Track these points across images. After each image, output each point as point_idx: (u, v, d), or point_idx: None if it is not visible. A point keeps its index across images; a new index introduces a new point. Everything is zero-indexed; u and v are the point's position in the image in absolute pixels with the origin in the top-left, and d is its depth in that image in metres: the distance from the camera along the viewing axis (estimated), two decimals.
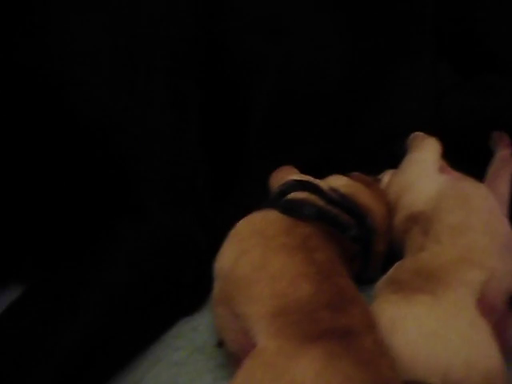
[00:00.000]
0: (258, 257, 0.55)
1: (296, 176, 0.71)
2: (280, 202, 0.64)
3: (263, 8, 0.82)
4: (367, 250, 0.67)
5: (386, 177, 0.82)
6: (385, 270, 0.64)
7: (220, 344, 0.59)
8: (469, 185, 0.71)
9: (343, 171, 0.79)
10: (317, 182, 0.69)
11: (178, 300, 0.66)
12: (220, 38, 0.77)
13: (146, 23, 0.70)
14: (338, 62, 0.85)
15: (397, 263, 0.64)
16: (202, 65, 0.75)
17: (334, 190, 0.70)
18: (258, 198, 0.69)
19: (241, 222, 0.63)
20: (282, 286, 0.52)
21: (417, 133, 0.84)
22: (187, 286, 0.67)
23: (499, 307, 0.57)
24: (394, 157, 0.81)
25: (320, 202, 0.64)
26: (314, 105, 0.84)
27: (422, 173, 0.75)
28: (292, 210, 0.62)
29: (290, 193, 0.66)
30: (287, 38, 0.82)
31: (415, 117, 0.88)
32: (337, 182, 0.72)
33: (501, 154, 0.78)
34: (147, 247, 0.64)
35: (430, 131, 0.81)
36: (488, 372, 0.49)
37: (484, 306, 0.56)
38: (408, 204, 0.71)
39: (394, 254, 0.70)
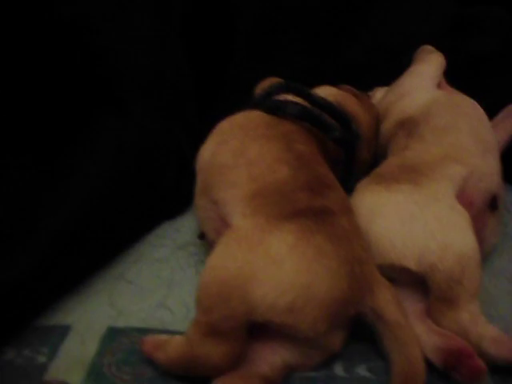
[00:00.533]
0: (237, 145, 0.56)
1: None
2: (264, 102, 0.64)
3: None
4: (351, 156, 0.67)
5: (378, 93, 0.81)
6: None
7: (201, 236, 0.59)
8: (462, 97, 0.71)
9: (331, 83, 0.78)
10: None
11: (161, 201, 0.66)
12: None
13: None
14: None
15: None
16: None
17: (322, 98, 0.69)
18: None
19: (223, 120, 0.63)
20: (259, 169, 0.52)
21: (425, 46, 0.82)
22: (170, 188, 0.67)
23: (478, 204, 0.58)
24: (383, 74, 0.80)
25: (305, 103, 0.63)
26: (302, 14, 0.82)
27: (419, 84, 0.73)
28: (276, 108, 0.62)
29: (275, 94, 0.65)
30: None
31: (407, 35, 0.86)
32: (325, 92, 0.71)
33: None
34: (130, 142, 0.64)
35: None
36: (462, 255, 0.49)
37: (463, 200, 0.56)
38: (398, 111, 0.71)
39: None
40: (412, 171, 0.57)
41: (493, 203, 0.59)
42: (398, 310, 0.47)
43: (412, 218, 0.51)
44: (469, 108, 0.67)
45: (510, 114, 0.74)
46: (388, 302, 0.46)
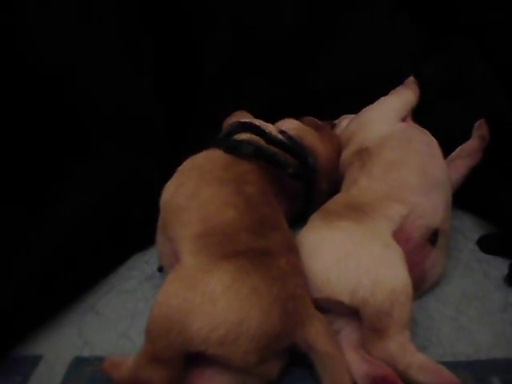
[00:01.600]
0: (191, 188, 0.60)
1: (246, 119, 0.75)
2: (224, 141, 0.69)
3: None
4: (310, 188, 0.71)
5: (344, 121, 0.85)
6: None
7: (160, 269, 0.64)
8: (419, 132, 0.74)
9: (298, 116, 0.83)
10: (261, 124, 0.73)
11: (132, 234, 0.71)
12: None
13: None
14: (292, 9, 0.87)
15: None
16: (157, 10, 0.78)
17: (282, 132, 0.74)
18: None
19: (186, 160, 0.67)
20: (209, 212, 0.57)
21: (410, 77, 0.85)
22: (140, 222, 0.72)
23: (416, 239, 0.62)
24: (348, 103, 0.84)
25: (260, 142, 0.68)
26: (269, 51, 0.86)
27: (381, 116, 0.77)
28: (233, 148, 0.66)
29: (234, 134, 0.70)
30: None
31: (368, 65, 0.89)
32: (287, 125, 0.76)
33: (471, 143, 0.78)
34: (101, 181, 0.69)
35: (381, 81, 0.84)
36: (392, 290, 0.53)
37: (401, 236, 0.61)
38: (357, 140, 0.75)
39: None
40: (354, 210, 0.61)
41: (432, 238, 0.63)
42: (329, 340, 0.51)
43: (347, 256, 0.56)
44: (421, 144, 0.70)
45: (462, 153, 0.77)
46: (319, 333, 0.51)
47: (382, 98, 0.80)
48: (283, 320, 0.49)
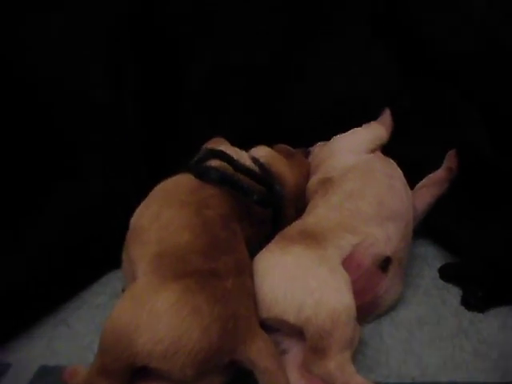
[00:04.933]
0: (155, 210, 0.64)
1: (223, 146, 0.79)
2: (195, 167, 0.73)
3: None
4: (277, 214, 0.75)
5: (317, 148, 0.88)
6: None
7: (123, 290, 0.68)
8: (382, 163, 0.77)
9: (274, 143, 0.87)
10: (234, 151, 0.77)
11: (107, 253, 0.75)
12: (156, 16, 0.85)
13: (87, 4, 0.80)
14: (268, 38, 0.91)
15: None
16: (140, 41, 0.83)
17: (254, 158, 0.78)
18: None
19: (158, 184, 0.72)
20: (166, 234, 0.61)
21: (386, 109, 0.87)
22: (116, 241, 0.76)
23: (367, 266, 0.65)
24: (321, 131, 0.88)
25: (228, 169, 0.72)
26: (245, 79, 0.90)
27: (350, 147, 0.80)
28: (201, 174, 0.70)
29: (205, 160, 0.74)
30: (220, 16, 0.88)
31: (342, 92, 0.93)
32: (259, 153, 0.80)
33: (438, 173, 0.81)
34: (80, 202, 0.74)
35: (355, 110, 0.87)
36: (334, 311, 0.57)
37: (351, 263, 0.65)
38: (324, 169, 0.78)
39: None
40: (308, 236, 0.65)
41: (383, 265, 0.66)
42: (270, 358, 0.54)
43: (294, 278, 0.59)
44: (382, 175, 0.73)
45: (429, 182, 0.80)
46: (261, 351, 0.54)
47: (354, 130, 0.83)
48: (222, 338, 0.53)
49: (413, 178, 0.81)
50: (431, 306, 0.73)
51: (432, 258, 0.82)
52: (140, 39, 0.83)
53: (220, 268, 0.58)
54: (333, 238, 0.64)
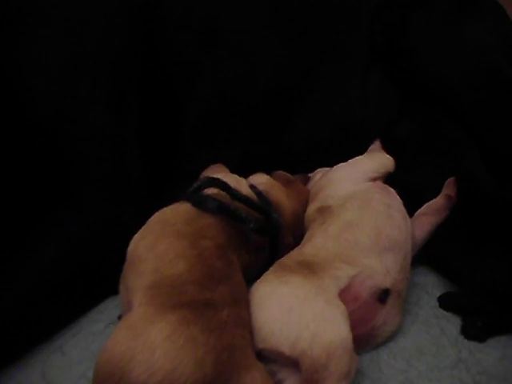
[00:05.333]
0: (152, 240, 0.64)
1: (221, 173, 0.80)
2: (192, 196, 0.73)
3: (199, 18, 0.89)
4: (275, 242, 0.75)
5: (318, 175, 0.89)
6: None
7: (120, 317, 0.68)
8: (380, 192, 0.76)
9: (274, 169, 0.87)
10: (233, 178, 0.77)
11: (106, 280, 0.75)
12: (158, 48, 0.86)
13: (91, 38, 0.81)
14: (269, 66, 0.92)
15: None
16: (142, 71, 0.84)
17: (252, 186, 0.78)
18: None
19: (156, 212, 0.72)
20: (162, 264, 0.61)
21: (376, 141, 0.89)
22: (114, 268, 0.76)
23: (365, 298, 0.65)
24: (321, 157, 0.88)
25: (226, 198, 0.72)
26: (245, 108, 0.91)
27: (350, 175, 0.80)
28: (199, 203, 0.71)
29: (203, 188, 0.74)
30: (222, 46, 0.89)
31: (341, 119, 0.94)
32: (257, 180, 0.80)
33: (437, 201, 0.81)
34: (80, 231, 0.74)
35: (355, 137, 0.88)
36: (330, 344, 0.56)
37: (348, 295, 0.64)
38: (323, 197, 0.78)
39: None
40: (305, 267, 0.65)
41: (382, 297, 0.66)
42: None
43: (291, 310, 0.59)
44: (380, 205, 0.73)
45: (428, 210, 0.80)
46: (255, 381, 0.54)
47: (356, 158, 0.83)
48: (217, 369, 0.52)
49: (411, 205, 0.80)
50: (430, 335, 0.73)
51: (431, 287, 0.81)
52: (142, 72, 0.84)
53: (215, 298, 0.58)
54: (330, 269, 0.64)
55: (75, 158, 0.77)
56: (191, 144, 0.88)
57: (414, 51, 0.92)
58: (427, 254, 0.82)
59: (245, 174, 0.83)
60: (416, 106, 0.92)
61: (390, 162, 0.82)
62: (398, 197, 0.77)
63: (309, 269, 0.64)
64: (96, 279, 0.76)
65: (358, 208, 0.72)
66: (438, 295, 0.79)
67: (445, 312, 0.77)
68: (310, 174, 0.90)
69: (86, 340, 0.70)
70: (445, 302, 0.77)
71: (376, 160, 0.82)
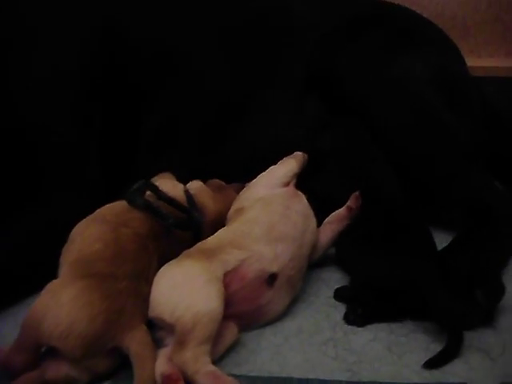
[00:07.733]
0: (83, 226, 0.83)
1: (164, 179, 0.98)
2: (128, 195, 0.91)
3: (153, 42, 1.06)
4: (197, 236, 0.92)
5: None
6: None
7: None
8: (284, 197, 0.92)
9: (219, 178, 1.04)
10: (171, 184, 0.95)
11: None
12: (119, 69, 1.03)
13: (66, 61, 1.00)
14: (216, 87, 1.08)
15: None
16: (105, 89, 1.01)
17: (186, 191, 0.96)
18: None
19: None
20: (84, 244, 0.79)
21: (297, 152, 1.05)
22: None
23: (250, 278, 0.80)
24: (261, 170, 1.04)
25: (153, 198, 0.90)
26: (195, 123, 1.08)
27: (264, 181, 0.96)
28: (131, 200, 0.89)
29: (141, 190, 0.92)
30: (173, 68, 1.06)
31: (274, 141, 1.09)
32: (192, 186, 0.98)
33: (340, 211, 0.95)
34: (40, 225, 0.93)
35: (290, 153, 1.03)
36: (197, 313, 0.72)
37: (236, 275, 0.80)
38: (240, 200, 0.94)
39: None
40: (202, 253, 0.81)
41: (269, 280, 0.81)
42: (142, 346, 0.71)
43: (175, 286, 0.75)
44: (279, 206, 0.89)
45: (331, 219, 0.95)
46: (135, 340, 0.71)
47: (271, 167, 0.98)
48: (105, 327, 0.70)
49: (323, 212, 0.96)
50: (315, 318, 0.86)
51: (334, 282, 0.95)
52: (105, 89, 1.03)
53: (118, 273, 0.75)
54: (220, 254, 0.79)
55: (46, 162, 0.96)
56: (147, 155, 1.05)
57: (341, 79, 1.06)
58: (336, 255, 0.97)
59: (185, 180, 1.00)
60: (341, 119, 1.06)
61: (295, 165, 0.97)
62: (304, 201, 0.93)
63: (204, 254, 0.79)
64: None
65: (261, 208, 0.88)
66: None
67: (337, 302, 0.90)
68: (247, 183, 1.06)
69: None
70: (338, 294, 0.91)
71: (285, 166, 0.97)
